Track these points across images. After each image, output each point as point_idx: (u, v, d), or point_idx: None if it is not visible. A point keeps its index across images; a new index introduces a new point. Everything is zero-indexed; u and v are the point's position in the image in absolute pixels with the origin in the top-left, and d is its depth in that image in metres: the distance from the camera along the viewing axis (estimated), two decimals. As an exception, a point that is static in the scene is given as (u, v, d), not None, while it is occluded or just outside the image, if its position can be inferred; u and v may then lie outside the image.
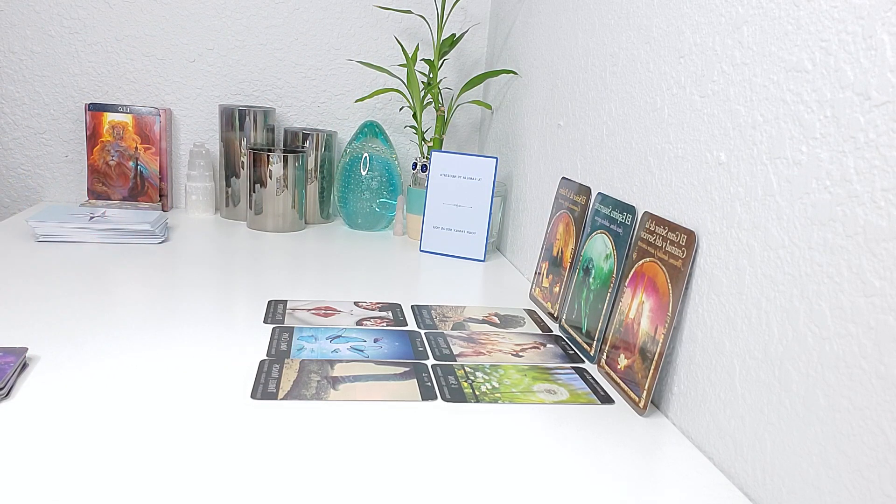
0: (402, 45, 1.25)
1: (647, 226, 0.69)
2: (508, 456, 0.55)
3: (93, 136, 1.28)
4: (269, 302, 0.86)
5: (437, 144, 1.26)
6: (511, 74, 1.21)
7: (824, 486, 0.45)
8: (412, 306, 0.89)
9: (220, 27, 1.32)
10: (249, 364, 0.68)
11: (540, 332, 0.84)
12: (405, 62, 1.25)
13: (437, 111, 1.25)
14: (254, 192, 1.23)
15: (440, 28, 1.23)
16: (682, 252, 0.62)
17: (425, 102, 1.27)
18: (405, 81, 1.26)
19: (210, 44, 1.32)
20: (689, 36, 0.64)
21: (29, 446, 0.51)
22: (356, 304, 0.88)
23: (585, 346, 0.76)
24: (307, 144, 1.29)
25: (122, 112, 1.28)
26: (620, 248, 0.74)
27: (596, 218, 0.81)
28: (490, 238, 1.16)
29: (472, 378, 0.68)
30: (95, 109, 1.27)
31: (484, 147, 1.42)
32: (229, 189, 1.31)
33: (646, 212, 0.70)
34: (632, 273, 0.70)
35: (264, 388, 0.63)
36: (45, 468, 0.48)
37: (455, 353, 0.74)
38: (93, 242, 1.06)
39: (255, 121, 1.29)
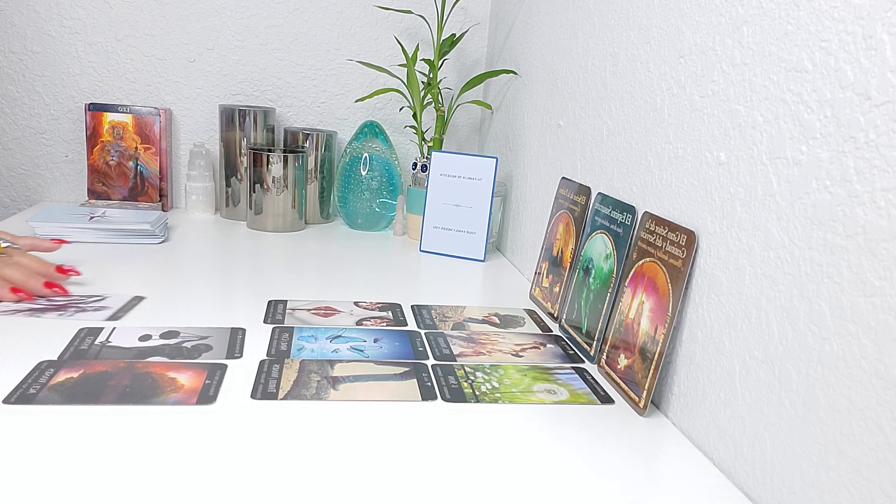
0: (402, 45, 1.25)
1: (647, 226, 0.69)
2: (508, 456, 0.55)
3: (93, 136, 1.28)
4: (269, 302, 0.86)
5: (437, 144, 1.26)
6: (511, 74, 1.21)
7: (824, 486, 0.45)
8: (412, 306, 0.89)
9: (220, 27, 1.32)
10: (249, 364, 0.68)
11: (540, 332, 0.84)
12: (405, 62, 1.25)
13: (437, 111, 1.25)
14: (254, 192, 1.23)
15: (440, 28, 1.23)
16: (682, 252, 0.62)
17: (425, 102, 1.27)
18: (405, 81, 1.26)
19: (210, 44, 1.32)
20: (689, 36, 0.64)
21: (29, 447, 0.51)
22: (356, 304, 0.88)
23: (585, 346, 0.76)
24: (307, 144, 1.29)
25: (122, 112, 1.28)
26: (620, 248, 0.74)
27: (596, 218, 0.81)
28: (490, 238, 1.17)
29: (472, 378, 0.68)
30: (95, 109, 1.27)
31: (484, 147, 1.42)
32: (229, 189, 1.31)
33: (646, 212, 0.70)
34: (632, 273, 0.70)
35: (264, 388, 0.63)
36: (44, 469, 0.48)
37: (455, 353, 0.74)
38: (93, 242, 1.06)
39: (255, 121, 1.29)
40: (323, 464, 0.52)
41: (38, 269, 0.82)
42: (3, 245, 0.83)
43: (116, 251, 1.03)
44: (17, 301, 0.78)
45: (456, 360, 0.72)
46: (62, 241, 0.90)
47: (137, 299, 0.83)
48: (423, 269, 1.09)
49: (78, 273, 0.85)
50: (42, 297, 0.80)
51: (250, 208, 1.24)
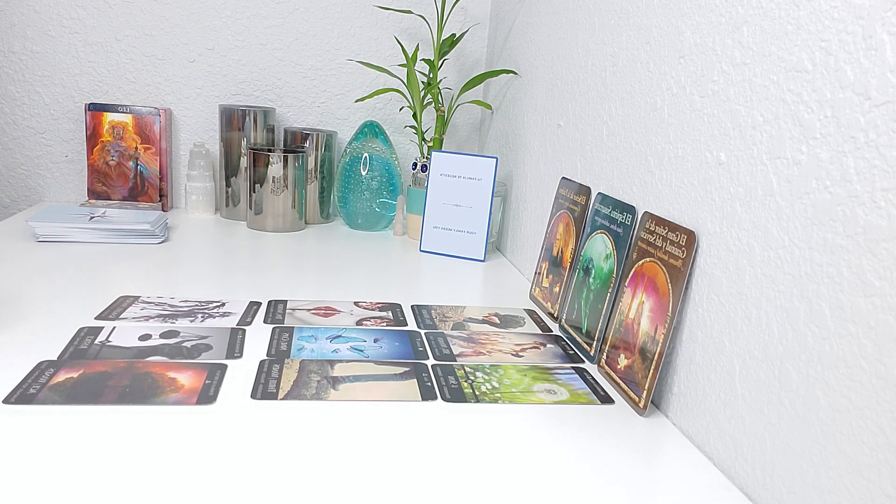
0: (402, 45, 1.25)
1: (647, 226, 0.69)
2: (508, 456, 0.55)
3: (93, 136, 1.28)
4: (269, 302, 0.86)
5: (437, 144, 1.26)
6: (511, 74, 1.21)
7: (824, 486, 0.45)
8: (412, 306, 0.89)
9: (220, 27, 1.32)
10: (249, 364, 0.68)
11: (540, 332, 0.84)
12: (405, 62, 1.25)
13: (437, 111, 1.25)
14: (254, 192, 1.23)
15: (440, 28, 1.23)
16: (682, 252, 0.62)
17: (425, 102, 1.27)
18: (405, 81, 1.26)
19: (210, 44, 1.32)
20: (689, 36, 0.64)
21: (29, 447, 0.51)
22: (356, 304, 0.88)
23: (585, 346, 0.76)
24: (307, 144, 1.29)
25: (122, 112, 1.28)
26: (620, 248, 0.74)
27: (596, 218, 0.81)
28: (490, 238, 1.16)
29: (472, 378, 0.68)
30: (95, 109, 1.27)
31: (484, 147, 1.42)
32: (229, 189, 1.31)
33: (646, 212, 0.70)
34: (632, 273, 0.70)
35: (264, 388, 0.63)
36: (45, 469, 0.48)
37: (455, 353, 0.74)
38: (93, 242, 1.06)
39: (255, 121, 1.29)
40: (323, 464, 0.52)
41: None
42: None
43: (116, 251, 1.03)
44: None
45: (456, 360, 0.72)
46: None
47: (256, 304, 0.84)
48: (423, 269, 1.09)
49: None
50: None
51: (250, 208, 1.24)
